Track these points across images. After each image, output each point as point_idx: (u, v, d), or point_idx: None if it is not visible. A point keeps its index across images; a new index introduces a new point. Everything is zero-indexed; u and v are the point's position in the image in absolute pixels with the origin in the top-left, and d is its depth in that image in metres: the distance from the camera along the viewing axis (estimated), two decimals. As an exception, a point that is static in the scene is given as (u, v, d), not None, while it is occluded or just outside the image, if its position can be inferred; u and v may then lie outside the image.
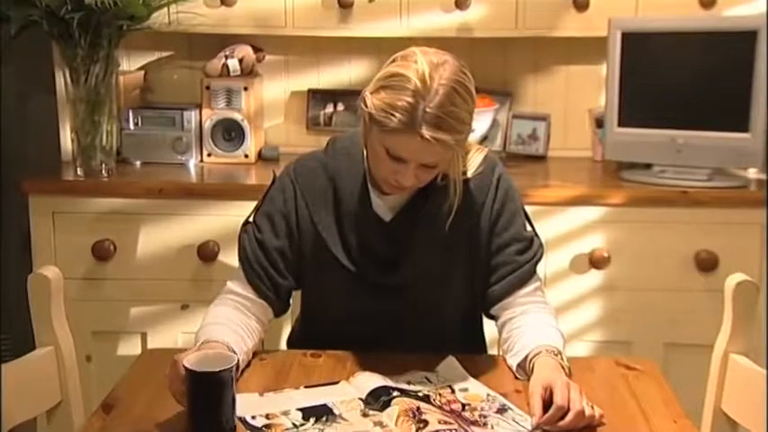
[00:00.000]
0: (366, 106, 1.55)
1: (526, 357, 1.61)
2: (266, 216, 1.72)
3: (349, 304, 1.71)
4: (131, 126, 2.82)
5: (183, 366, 1.38)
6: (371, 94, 1.55)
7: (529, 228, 1.79)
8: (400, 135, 1.51)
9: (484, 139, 2.93)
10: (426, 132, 1.49)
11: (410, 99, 1.49)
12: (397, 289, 1.69)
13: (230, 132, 2.85)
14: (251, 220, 1.76)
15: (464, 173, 1.70)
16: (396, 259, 1.68)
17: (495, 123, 2.96)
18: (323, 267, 1.69)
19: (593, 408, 1.47)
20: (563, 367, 1.56)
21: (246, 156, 2.85)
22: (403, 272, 1.68)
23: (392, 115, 1.50)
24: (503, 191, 1.73)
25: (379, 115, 1.53)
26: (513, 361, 1.65)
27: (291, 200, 1.70)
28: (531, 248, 1.74)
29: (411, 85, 1.50)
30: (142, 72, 2.98)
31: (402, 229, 1.67)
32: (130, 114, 2.82)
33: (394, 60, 1.56)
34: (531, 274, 1.73)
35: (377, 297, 1.69)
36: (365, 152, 1.67)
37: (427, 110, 1.49)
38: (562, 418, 1.42)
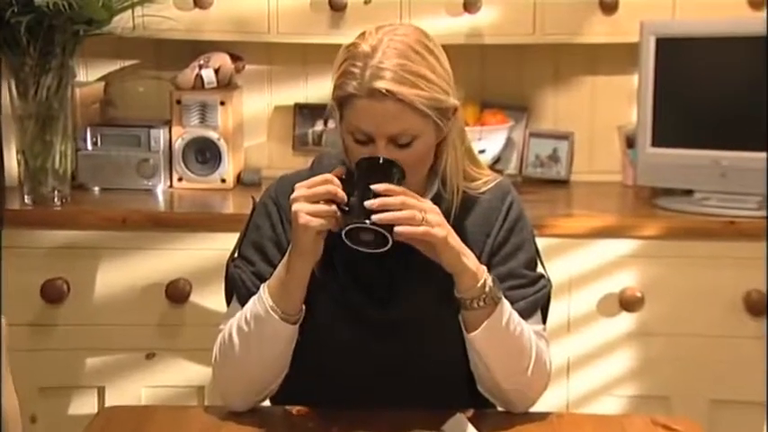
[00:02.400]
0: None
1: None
2: (255, 246, 1.74)
3: (340, 345, 1.71)
4: (89, 146, 2.81)
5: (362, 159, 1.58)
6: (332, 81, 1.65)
7: (540, 268, 1.79)
8: (355, 101, 1.59)
9: (496, 161, 2.93)
10: (378, 84, 1.56)
11: (360, 62, 1.59)
12: (393, 326, 1.69)
13: (205, 153, 2.85)
14: (237, 254, 1.77)
15: (470, 188, 1.73)
16: (389, 294, 1.69)
17: (509, 143, 2.96)
18: (313, 302, 1.69)
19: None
20: (486, 286, 1.61)
21: (223, 180, 2.85)
22: (398, 305, 1.69)
23: (344, 84, 1.60)
24: (511, 221, 1.75)
25: (334, 93, 1.63)
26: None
27: (279, 223, 1.73)
28: (529, 287, 1.74)
29: (361, 51, 1.60)
30: (102, 84, 2.98)
31: (397, 257, 1.66)
32: (88, 133, 2.81)
33: None
34: (527, 314, 1.71)
35: (371, 335, 1.69)
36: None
37: (379, 66, 1.58)
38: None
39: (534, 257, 1.78)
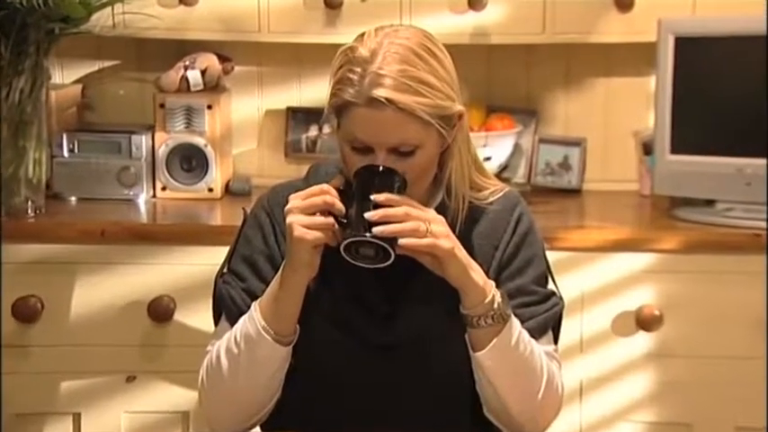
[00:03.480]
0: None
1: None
2: (246, 261, 1.74)
3: (337, 367, 1.71)
4: (65, 153, 2.81)
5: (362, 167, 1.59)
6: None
7: (551, 285, 1.79)
8: (353, 109, 1.59)
9: (503, 169, 2.92)
10: (377, 92, 1.56)
11: (359, 68, 1.59)
12: (394, 347, 1.69)
13: (190, 161, 2.85)
14: (226, 269, 1.77)
15: (477, 198, 1.74)
16: (391, 311, 1.69)
17: (517, 149, 2.97)
18: (307, 321, 1.69)
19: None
20: (495, 304, 1.60)
21: (210, 190, 2.85)
22: (398, 327, 1.69)
23: (340, 90, 1.60)
24: (520, 234, 1.75)
25: (330, 100, 1.62)
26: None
27: (271, 236, 1.73)
28: (540, 304, 1.74)
29: (359, 55, 1.60)
30: (79, 86, 2.99)
31: (397, 275, 1.66)
32: (64, 138, 2.80)
33: None
34: (537, 334, 1.71)
35: (370, 356, 1.69)
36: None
37: (378, 72, 1.58)
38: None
39: (545, 273, 1.78)
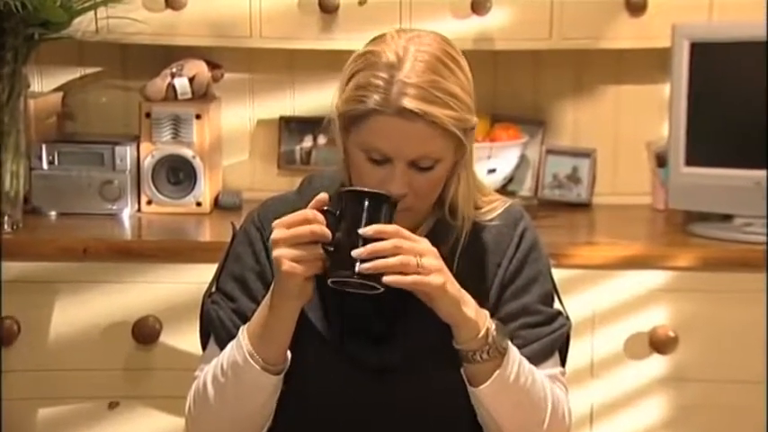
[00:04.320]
0: (337, 108, 1.63)
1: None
2: (235, 279, 1.74)
3: (330, 394, 1.71)
4: (45, 165, 2.81)
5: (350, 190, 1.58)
6: (340, 91, 1.63)
7: (557, 304, 1.79)
8: (377, 118, 1.58)
9: (509, 182, 2.92)
10: (407, 102, 1.56)
11: (384, 74, 1.57)
12: (390, 373, 1.68)
13: (177, 173, 2.86)
14: (214, 288, 1.77)
15: (477, 215, 1.73)
16: (386, 333, 1.69)
17: (523, 161, 2.97)
18: (299, 343, 1.68)
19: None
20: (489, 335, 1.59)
21: (199, 204, 2.86)
22: (394, 349, 1.68)
23: (365, 96, 1.58)
24: (524, 250, 1.75)
25: (350, 105, 1.60)
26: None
27: (263, 252, 1.72)
28: (545, 325, 1.73)
29: (384, 59, 1.59)
30: (60, 94, 3.00)
31: (396, 294, 1.64)
32: (44, 150, 2.81)
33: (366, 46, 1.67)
34: (543, 356, 1.71)
35: (365, 383, 1.68)
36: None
37: (406, 80, 1.57)
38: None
39: (551, 292, 1.77)
